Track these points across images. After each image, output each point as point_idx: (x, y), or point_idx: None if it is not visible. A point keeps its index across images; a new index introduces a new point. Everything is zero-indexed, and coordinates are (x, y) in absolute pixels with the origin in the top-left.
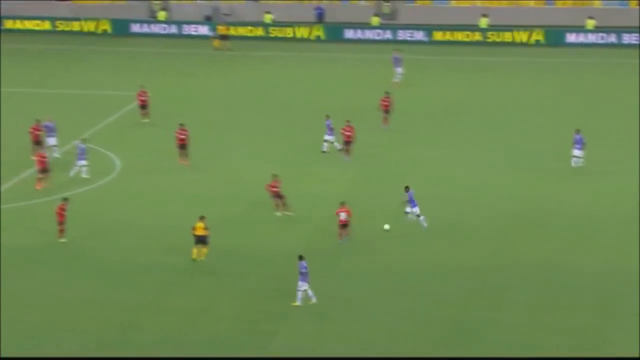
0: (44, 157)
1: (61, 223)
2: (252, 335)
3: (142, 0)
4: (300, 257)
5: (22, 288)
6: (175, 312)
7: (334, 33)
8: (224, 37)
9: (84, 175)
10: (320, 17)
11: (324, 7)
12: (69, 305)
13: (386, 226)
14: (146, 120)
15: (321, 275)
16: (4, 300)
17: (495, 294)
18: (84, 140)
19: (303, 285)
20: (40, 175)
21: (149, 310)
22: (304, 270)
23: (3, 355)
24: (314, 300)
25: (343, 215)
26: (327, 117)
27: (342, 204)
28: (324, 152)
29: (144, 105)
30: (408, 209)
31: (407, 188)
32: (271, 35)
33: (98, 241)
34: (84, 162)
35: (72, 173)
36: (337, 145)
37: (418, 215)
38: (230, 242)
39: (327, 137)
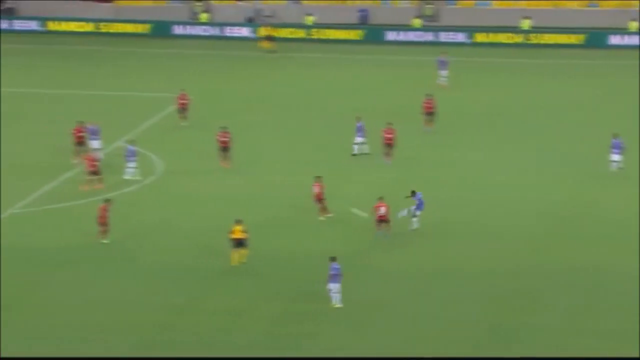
0: (94, 160)
1: (103, 224)
2: (290, 337)
3: (184, 2)
4: (332, 259)
5: (62, 288)
6: (213, 313)
7: (376, 35)
8: (270, 39)
9: (133, 177)
10: (364, 19)
11: (368, 9)
12: (108, 305)
13: (355, 210)
14: (185, 124)
15: (357, 277)
16: (45, 300)
17: (533, 297)
18: (132, 142)
19: (334, 287)
20: (90, 178)
21: (188, 311)
22: (334, 272)
23: (42, 354)
24: (338, 304)
25: (382, 210)
26: (358, 118)
27: (380, 199)
28: (354, 154)
29: (183, 108)
30: (412, 211)
31: (413, 193)
32: (313, 37)
33: (139, 242)
34: (133, 164)
35: (126, 175)
36: (367, 148)
37: (414, 215)
38: (270, 245)
39: (357, 139)
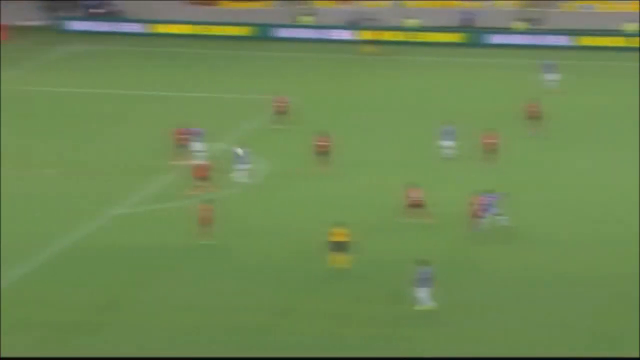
0: (203, 166)
1: (206, 225)
2: (388, 339)
3: (286, 5)
4: (421, 262)
5: (165, 289)
6: (313, 315)
7: (478, 38)
8: (372, 42)
9: (243, 180)
10: (468, 22)
11: (473, 12)
12: (209, 306)
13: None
14: (282, 127)
15: (456, 280)
16: (148, 300)
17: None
18: (242, 145)
19: (421, 291)
20: (198, 183)
21: (289, 314)
22: (424, 276)
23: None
24: (420, 306)
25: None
26: (447, 123)
27: (478, 192)
28: (445, 158)
29: (281, 112)
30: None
31: (491, 191)
32: (415, 39)
33: (241, 244)
34: (245, 166)
35: (236, 178)
36: (449, 153)
37: (497, 215)
38: (371, 248)
39: (445, 143)
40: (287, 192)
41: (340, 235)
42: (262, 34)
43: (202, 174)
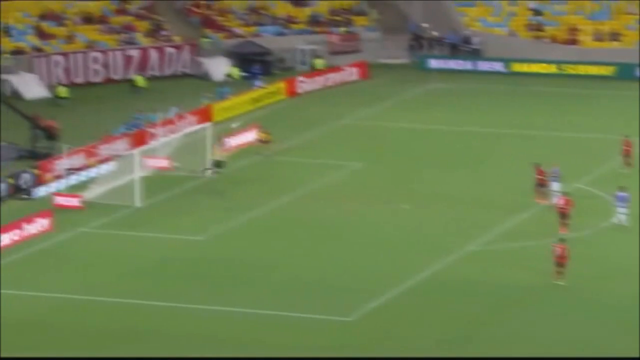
0: (565, 204)
1: (561, 265)
2: None
3: None
4: None
5: (514, 327)
6: None
7: None
8: None
9: (622, 223)
10: None
11: None
12: (560, 346)
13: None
14: (626, 171)
15: None
16: (496, 339)
17: None
18: (622, 189)
19: None
20: (562, 221)
21: None
22: None
23: None
24: None
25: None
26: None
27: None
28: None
29: (627, 155)
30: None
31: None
32: None
33: (598, 285)
34: (624, 210)
35: (615, 220)
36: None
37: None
38: None
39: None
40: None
41: None
42: (625, 74)
43: (563, 210)
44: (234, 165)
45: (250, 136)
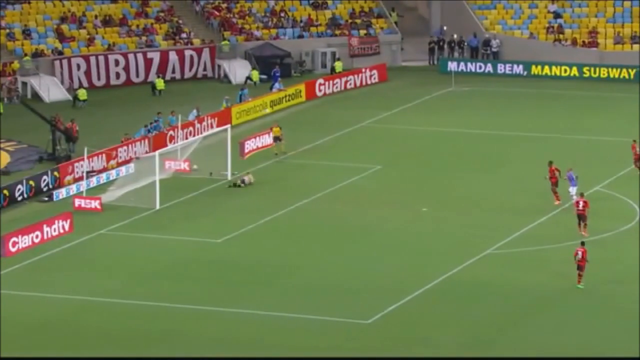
0: (584, 206)
1: (580, 267)
2: None
3: None
4: None
5: (534, 329)
6: None
7: None
8: None
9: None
10: None
11: None
12: (582, 350)
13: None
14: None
15: None
16: (517, 341)
17: None
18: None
19: None
20: (582, 223)
21: None
22: None
23: None
24: None
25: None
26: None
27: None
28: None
29: (637, 159)
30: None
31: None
32: None
33: (617, 288)
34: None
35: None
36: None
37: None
38: None
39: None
40: None
41: None
42: None
43: (580, 212)
44: (253, 167)
45: (268, 139)
